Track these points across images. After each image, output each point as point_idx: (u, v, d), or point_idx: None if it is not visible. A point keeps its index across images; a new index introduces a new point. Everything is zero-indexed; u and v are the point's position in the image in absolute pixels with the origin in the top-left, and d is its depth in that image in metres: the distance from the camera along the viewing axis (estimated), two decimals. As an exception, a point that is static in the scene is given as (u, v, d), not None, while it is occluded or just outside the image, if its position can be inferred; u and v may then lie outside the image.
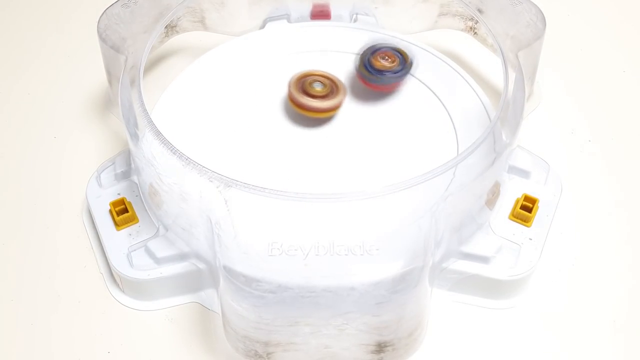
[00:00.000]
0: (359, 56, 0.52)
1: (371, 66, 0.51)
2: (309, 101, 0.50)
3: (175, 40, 0.57)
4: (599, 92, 0.58)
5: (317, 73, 0.51)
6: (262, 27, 0.58)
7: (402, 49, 0.52)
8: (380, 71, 0.51)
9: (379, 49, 0.52)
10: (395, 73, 0.51)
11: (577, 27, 0.63)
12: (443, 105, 0.52)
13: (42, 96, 0.58)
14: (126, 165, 0.50)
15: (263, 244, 0.41)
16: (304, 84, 0.50)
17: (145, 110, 0.46)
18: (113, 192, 0.49)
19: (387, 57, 0.52)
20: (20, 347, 0.45)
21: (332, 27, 0.58)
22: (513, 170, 0.49)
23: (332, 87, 0.51)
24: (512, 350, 0.45)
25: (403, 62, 0.52)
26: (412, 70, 0.52)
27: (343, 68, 0.54)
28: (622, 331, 0.45)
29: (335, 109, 0.50)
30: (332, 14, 0.58)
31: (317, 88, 0.50)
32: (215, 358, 0.44)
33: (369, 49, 0.52)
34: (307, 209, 0.42)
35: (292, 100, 0.50)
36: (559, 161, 0.52)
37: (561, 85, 0.58)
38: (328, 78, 0.51)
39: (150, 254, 0.45)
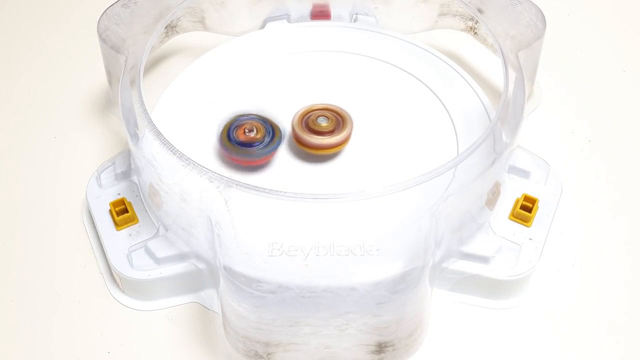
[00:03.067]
0: (222, 129, 0.48)
1: (236, 140, 0.47)
2: (315, 139, 0.47)
3: (175, 40, 0.57)
4: (599, 92, 0.58)
5: (320, 107, 0.49)
6: (262, 27, 0.58)
7: (269, 118, 0.49)
8: (248, 144, 0.47)
9: (242, 121, 0.48)
10: (265, 146, 0.47)
11: (577, 27, 0.63)
12: (443, 105, 0.52)
13: (42, 96, 0.58)
14: (126, 166, 0.50)
15: (263, 244, 0.42)
16: (307, 120, 0.48)
17: (145, 110, 0.46)
18: (113, 192, 0.49)
19: (253, 129, 0.48)
20: (20, 347, 0.45)
21: (332, 27, 0.58)
22: (513, 170, 0.49)
23: (337, 120, 0.48)
24: (512, 350, 0.45)
25: (272, 133, 0.48)
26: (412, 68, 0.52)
27: (343, 68, 0.55)
28: (622, 331, 0.45)
29: (343, 143, 0.48)
30: (332, 14, 0.58)
31: (323, 124, 0.48)
32: (215, 358, 0.44)
33: (230, 121, 0.48)
34: (307, 209, 0.42)
35: (297, 140, 0.48)
36: (559, 161, 0.52)
37: (561, 85, 0.58)
38: (332, 111, 0.49)
39: (150, 254, 0.45)
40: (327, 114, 0.49)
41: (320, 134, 0.48)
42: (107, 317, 0.46)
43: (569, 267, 0.48)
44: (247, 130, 0.48)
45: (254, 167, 0.48)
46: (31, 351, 0.45)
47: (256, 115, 0.49)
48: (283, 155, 0.49)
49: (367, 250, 0.41)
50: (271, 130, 0.48)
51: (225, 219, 0.42)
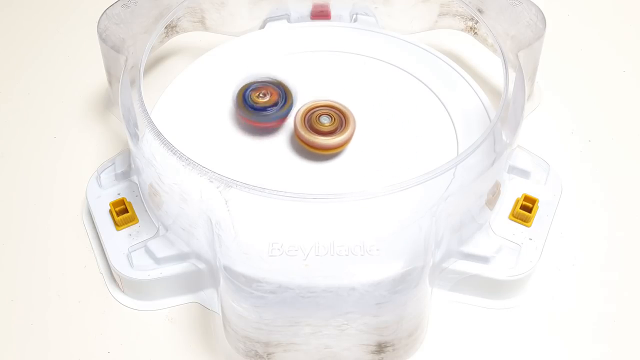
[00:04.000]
0: (237, 93, 0.50)
1: (252, 104, 0.49)
2: (317, 138, 0.48)
3: (175, 40, 0.57)
4: (599, 92, 0.58)
5: (323, 104, 0.49)
6: (262, 27, 0.58)
7: (283, 82, 0.50)
8: (263, 108, 0.49)
9: (257, 85, 0.50)
10: (279, 109, 0.49)
11: (577, 27, 0.63)
12: (443, 105, 0.52)
13: (42, 96, 0.58)
14: (126, 166, 0.50)
15: (263, 244, 0.41)
16: (310, 118, 0.48)
17: (145, 110, 0.46)
18: (113, 192, 0.49)
19: (267, 93, 0.50)
20: (20, 347, 0.45)
21: (332, 27, 0.58)
22: (513, 170, 0.49)
23: (340, 119, 0.49)
24: (512, 350, 0.45)
25: (284, 96, 0.50)
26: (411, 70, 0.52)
27: (343, 68, 0.55)
28: (622, 331, 0.45)
29: (345, 143, 0.48)
30: (332, 14, 0.58)
31: (325, 123, 0.48)
32: (215, 358, 0.44)
33: (246, 85, 0.50)
34: (307, 209, 0.42)
35: (298, 138, 0.48)
36: (559, 161, 0.52)
37: (561, 85, 0.58)
38: (335, 109, 0.49)
39: (150, 254, 0.45)
40: (331, 112, 0.49)
41: (322, 133, 0.48)
42: (107, 317, 0.46)
43: (569, 267, 0.48)
44: (261, 94, 0.49)
45: (266, 129, 0.49)
46: (31, 351, 0.45)
47: (272, 80, 0.50)
48: (283, 151, 0.49)
49: (367, 250, 0.41)
50: (284, 96, 0.50)
51: (225, 219, 0.42)
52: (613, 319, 0.46)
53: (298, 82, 0.51)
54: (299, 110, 0.49)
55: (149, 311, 0.46)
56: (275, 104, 0.49)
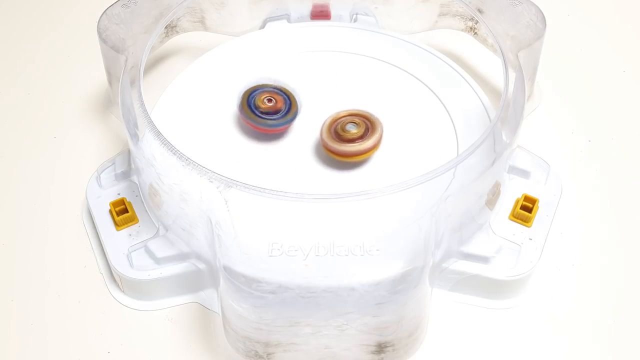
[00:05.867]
0: (242, 95, 0.50)
1: (256, 108, 0.49)
2: (346, 147, 0.47)
3: (175, 40, 0.57)
4: (599, 92, 0.58)
5: (347, 113, 0.49)
6: (262, 27, 0.58)
7: (287, 88, 0.50)
8: (267, 113, 0.49)
9: (262, 89, 0.50)
10: (282, 116, 0.49)
11: (577, 27, 0.63)
12: (443, 105, 0.52)
13: (42, 96, 0.58)
14: (126, 165, 0.50)
15: (263, 245, 0.41)
16: (336, 128, 0.48)
17: (145, 110, 0.46)
18: (113, 192, 0.49)
19: (272, 99, 0.49)
20: (20, 347, 0.45)
21: (332, 27, 0.58)
22: (513, 170, 0.49)
23: (366, 125, 0.48)
24: (512, 350, 0.45)
25: (289, 104, 0.49)
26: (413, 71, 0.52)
27: (343, 68, 0.55)
28: (622, 331, 0.45)
29: (375, 147, 0.48)
30: (332, 14, 0.58)
31: (352, 130, 0.48)
32: (215, 358, 0.44)
33: (250, 89, 0.50)
34: (307, 209, 0.42)
35: (327, 149, 0.48)
36: (559, 161, 0.52)
37: (561, 85, 0.58)
38: (361, 116, 0.49)
39: (150, 254, 0.45)
40: (356, 120, 0.48)
41: (350, 141, 0.47)
42: (107, 317, 0.46)
43: (569, 267, 0.48)
44: (266, 100, 0.49)
45: (269, 135, 0.49)
46: (31, 351, 0.45)
47: (276, 86, 0.50)
48: (283, 151, 0.49)
49: (367, 250, 0.41)
50: (289, 104, 0.49)
51: (225, 219, 0.42)
52: (613, 319, 0.46)
53: (298, 82, 0.51)
54: (325, 122, 0.48)
55: (149, 311, 0.46)
56: (279, 111, 0.49)
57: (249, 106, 0.49)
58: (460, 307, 0.46)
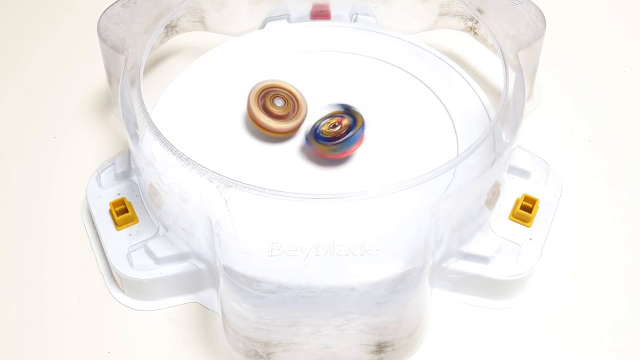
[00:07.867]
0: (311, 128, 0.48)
1: (322, 136, 0.47)
2: (268, 121, 0.48)
3: (175, 40, 0.57)
4: (599, 92, 0.58)
5: (279, 85, 0.49)
6: (262, 27, 0.58)
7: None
8: (334, 138, 0.47)
9: (323, 121, 0.48)
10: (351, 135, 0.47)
11: (577, 27, 0.63)
12: (443, 105, 0.52)
13: (42, 96, 0.58)
14: (126, 165, 0.50)
15: (263, 244, 0.41)
16: (264, 98, 0.49)
17: (145, 110, 0.46)
18: (113, 192, 0.49)
19: (336, 123, 0.48)
20: (20, 347, 0.45)
21: (332, 27, 0.58)
22: (513, 170, 0.49)
23: (293, 105, 0.49)
24: (512, 350, 0.45)
25: (354, 120, 0.48)
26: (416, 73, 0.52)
27: (343, 68, 0.55)
28: (622, 331, 0.45)
29: (293, 131, 0.49)
30: (332, 14, 0.58)
31: (278, 105, 0.49)
32: (215, 358, 0.44)
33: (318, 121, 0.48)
34: (307, 209, 0.42)
35: (250, 116, 0.49)
36: (559, 161, 0.52)
37: (561, 85, 0.58)
38: (291, 93, 0.49)
39: (150, 254, 0.45)
40: (285, 95, 0.49)
41: (273, 116, 0.48)
42: (107, 317, 0.46)
43: (569, 267, 0.48)
44: (330, 127, 0.47)
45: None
46: (31, 351, 0.45)
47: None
48: (283, 151, 0.49)
49: (367, 250, 0.41)
50: (351, 119, 0.48)
51: (225, 219, 0.42)
52: (613, 319, 0.46)
53: (298, 82, 0.51)
54: (254, 87, 0.49)
55: (149, 311, 0.46)
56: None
57: (316, 138, 0.47)
58: (460, 307, 0.46)
